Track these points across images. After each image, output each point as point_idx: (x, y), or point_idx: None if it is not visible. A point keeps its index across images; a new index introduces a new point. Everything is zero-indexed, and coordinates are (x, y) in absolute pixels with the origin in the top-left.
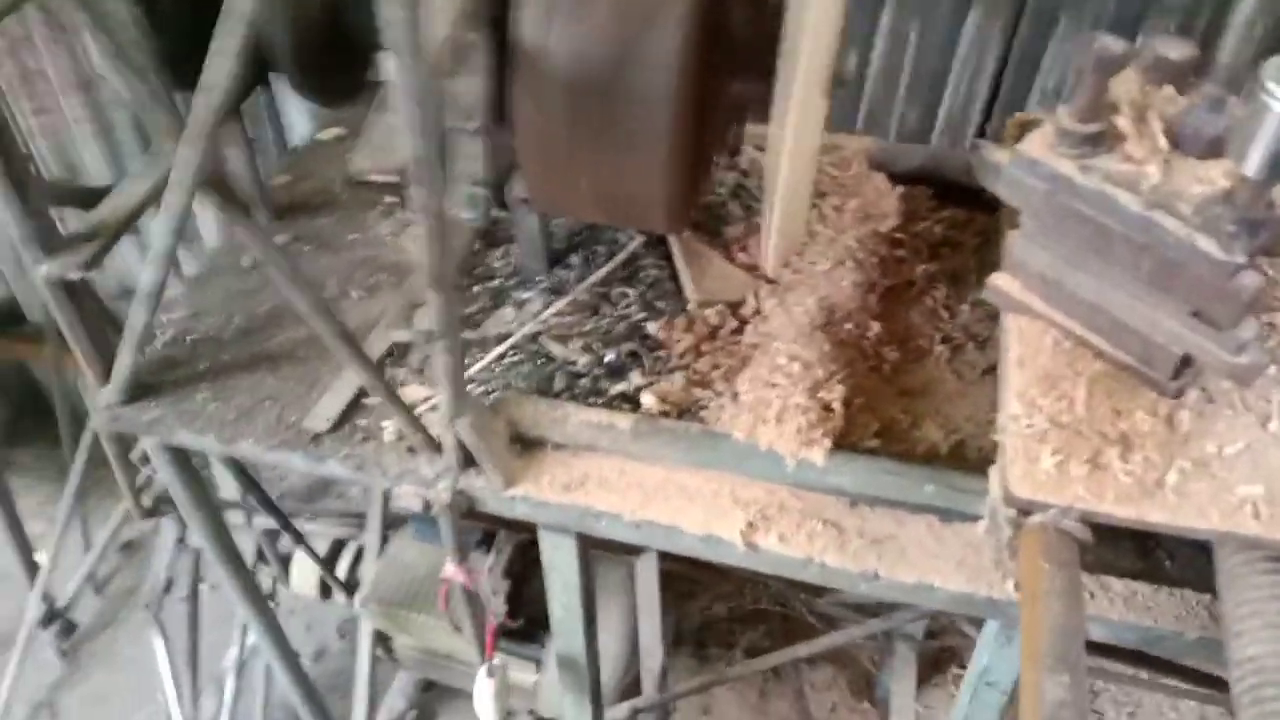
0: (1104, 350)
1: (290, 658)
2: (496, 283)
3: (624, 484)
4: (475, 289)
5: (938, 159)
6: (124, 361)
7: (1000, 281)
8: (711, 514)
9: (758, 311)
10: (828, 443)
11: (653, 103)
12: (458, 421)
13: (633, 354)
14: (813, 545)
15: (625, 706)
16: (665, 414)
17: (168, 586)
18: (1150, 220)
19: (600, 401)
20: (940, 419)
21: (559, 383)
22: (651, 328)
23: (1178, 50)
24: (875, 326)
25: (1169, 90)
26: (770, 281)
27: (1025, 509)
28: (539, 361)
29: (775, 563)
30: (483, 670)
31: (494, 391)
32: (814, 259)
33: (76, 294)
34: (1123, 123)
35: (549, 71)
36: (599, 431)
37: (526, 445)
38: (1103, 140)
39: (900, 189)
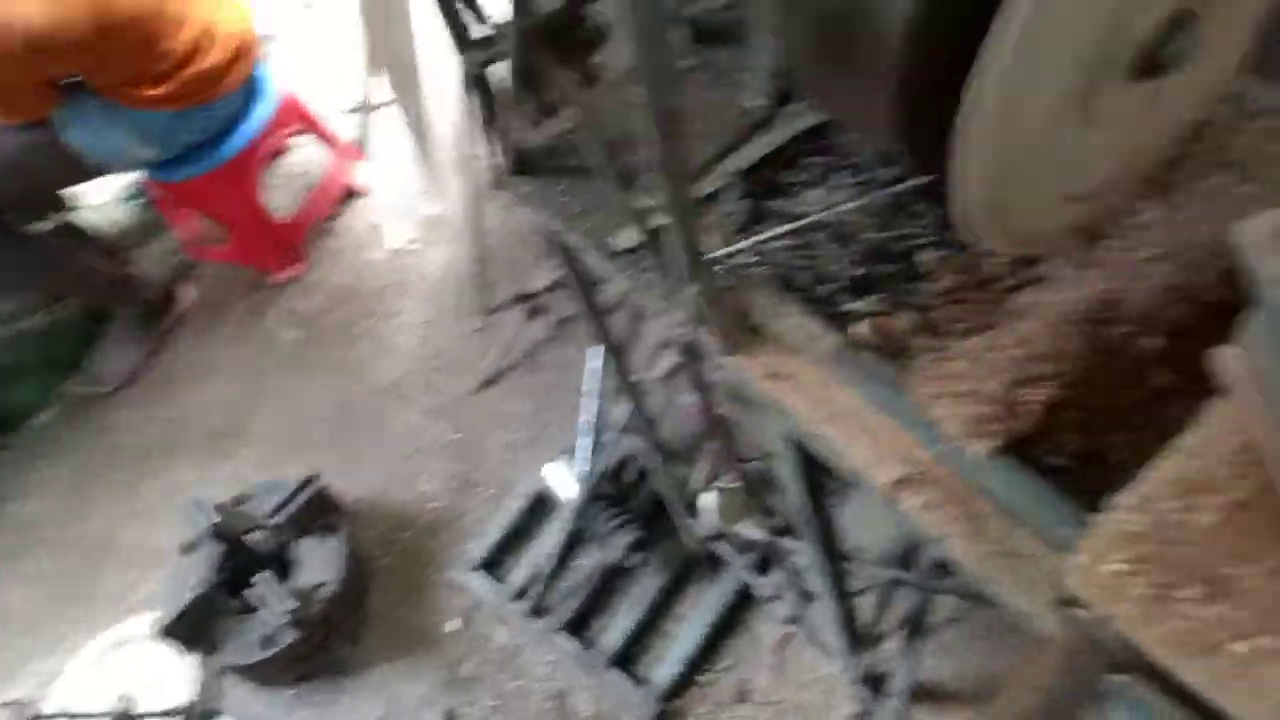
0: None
1: None
2: (833, 160)
3: (820, 394)
4: (814, 159)
5: None
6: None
7: (1223, 358)
8: (875, 455)
9: (1048, 278)
10: (996, 441)
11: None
12: (688, 288)
13: (886, 278)
14: (947, 526)
15: None
16: (877, 347)
17: None
18: None
19: (829, 311)
20: None
21: (805, 279)
22: (927, 256)
23: None
24: (1154, 341)
25: None
26: (1091, 242)
27: (1068, 600)
28: (808, 254)
29: (906, 522)
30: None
31: (756, 266)
32: (1148, 239)
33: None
34: None
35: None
36: (806, 339)
37: (757, 326)
38: None
39: None
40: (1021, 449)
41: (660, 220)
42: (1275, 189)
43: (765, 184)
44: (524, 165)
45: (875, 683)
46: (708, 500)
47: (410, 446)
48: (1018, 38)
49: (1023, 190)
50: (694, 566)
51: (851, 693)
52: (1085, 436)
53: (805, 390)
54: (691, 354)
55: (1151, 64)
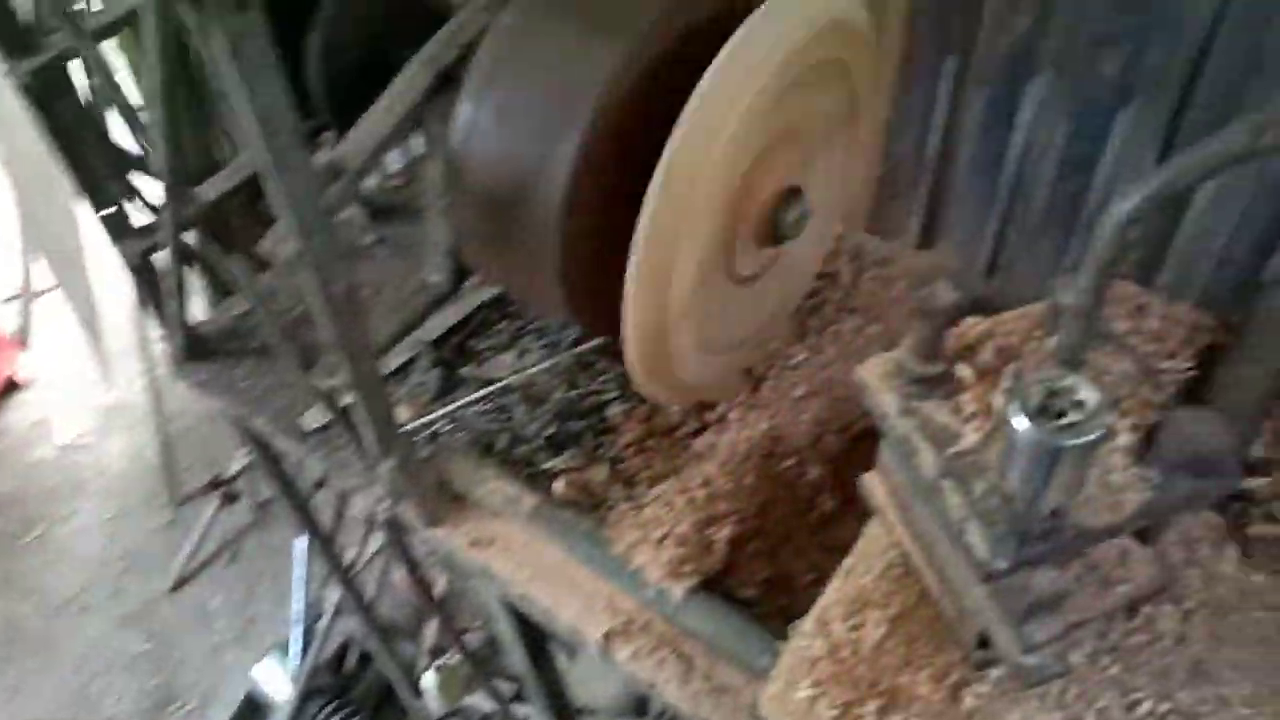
0: (932, 593)
1: None
2: (519, 324)
3: (524, 555)
4: (501, 324)
5: (997, 294)
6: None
7: (870, 482)
8: (584, 610)
9: (722, 420)
10: (692, 580)
11: (545, 218)
12: (383, 463)
13: (578, 434)
14: (659, 672)
15: None
16: (575, 502)
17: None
18: (937, 488)
19: (527, 472)
20: None
21: (502, 442)
22: (614, 410)
23: (1074, 297)
24: (816, 470)
25: (1051, 344)
26: (754, 392)
27: None
28: (502, 417)
29: (624, 675)
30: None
31: (452, 434)
32: (799, 378)
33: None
34: (965, 372)
35: (467, 174)
36: (506, 502)
37: (459, 494)
38: (944, 383)
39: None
40: (716, 585)
41: (347, 398)
42: (894, 326)
43: (455, 352)
44: (200, 349)
45: None
46: (429, 680)
47: (95, 665)
48: (657, 221)
49: (684, 345)
50: None
51: None
52: (771, 564)
53: (510, 552)
54: (395, 529)
55: (774, 231)
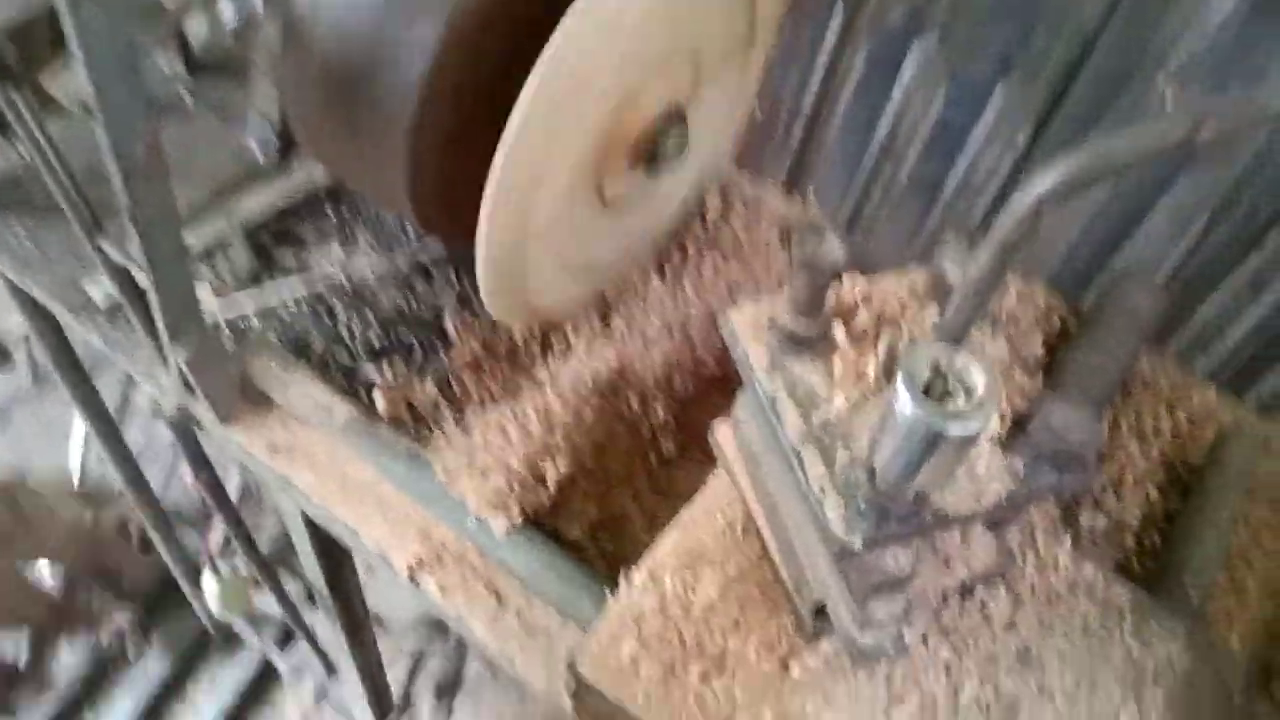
0: (772, 555)
1: None
2: (351, 214)
3: (330, 469)
4: (329, 211)
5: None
6: None
7: (720, 432)
8: (393, 534)
9: (568, 348)
10: (518, 516)
11: (399, 103)
12: (173, 348)
13: (407, 346)
14: (468, 606)
15: None
16: (396, 420)
17: None
18: (798, 454)
19: (344, 380)
20: None
21: (319, 344)
22: (452, 322)
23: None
24: (661, 411)
25: (929, 315)
26: (605, 322)
27: (582, 685)
28: (322, 316)
29: (431, 605)
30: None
31: (265, 328)
32: (653, 314)
33: None
34: (840, 336)
35: (311, 40)
36: (315, 410)
37: (262, 394)
38: (816, 343)
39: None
40: (541, 523)
41: (140, 272)
42: (757, 271)
43: (275, 238)
44: None
45: None
46: (209, 586)
47: None
48: (531, 120)
49: (540, 262)
50: (207, 645)
51: None
52: (603, 506)
53: (314, 464)
54: (183, 424)
55: (651, 154)
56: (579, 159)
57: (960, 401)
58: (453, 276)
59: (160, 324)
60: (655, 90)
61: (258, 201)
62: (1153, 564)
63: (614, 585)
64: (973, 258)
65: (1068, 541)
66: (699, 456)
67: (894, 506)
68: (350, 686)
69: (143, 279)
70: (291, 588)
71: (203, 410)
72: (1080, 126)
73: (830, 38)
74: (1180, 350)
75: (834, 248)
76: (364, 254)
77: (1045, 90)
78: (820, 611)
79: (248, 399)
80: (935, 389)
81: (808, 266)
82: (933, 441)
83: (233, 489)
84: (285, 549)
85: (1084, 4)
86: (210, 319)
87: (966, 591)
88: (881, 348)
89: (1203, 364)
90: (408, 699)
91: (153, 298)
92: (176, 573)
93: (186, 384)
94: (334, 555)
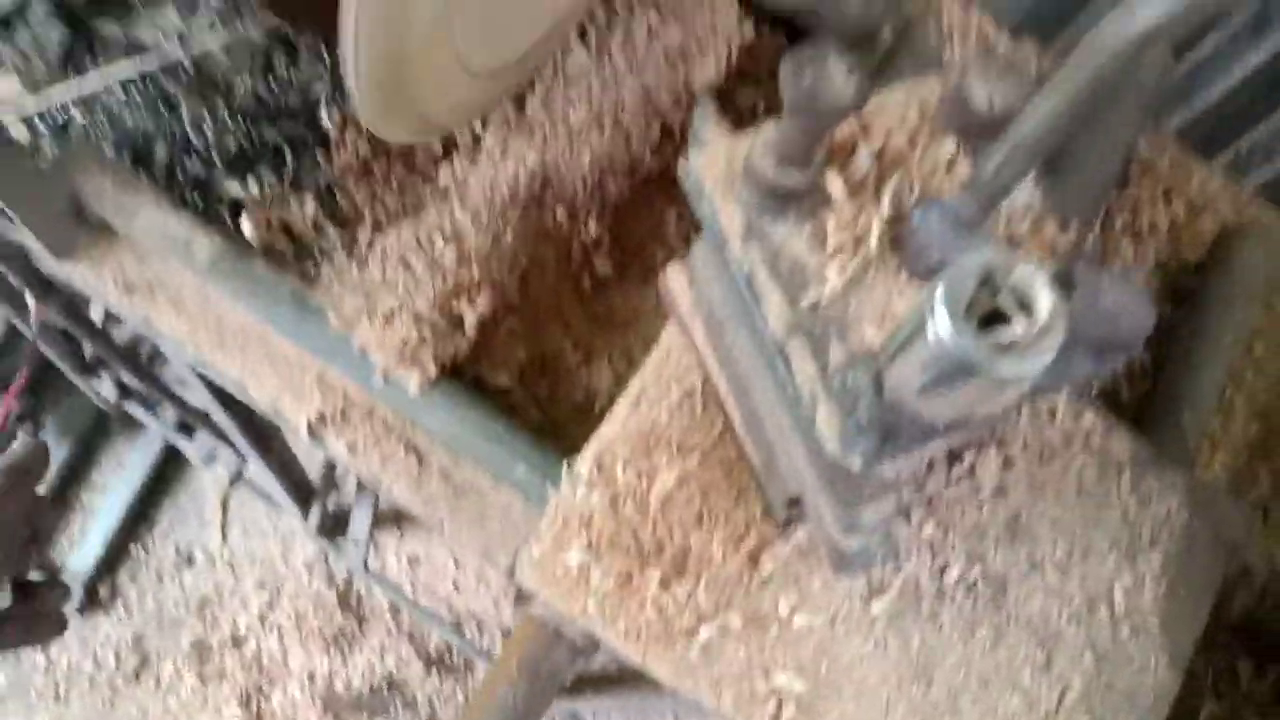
0: (738, 434)
1: None
2: None
3: (200, 312)
4: None
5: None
6: None
7: (673, 280)
8: (287, 387)
9: (476, 144)
10: (432, 369)
11: None
12: None
13: (275, 148)
14: (384, 469)
15: None
16: (272, 249)
17: None
18: (783, 347)
19: (202, 201)
20: (624, 363)
21: (162, 150)
22: (326, 115)
23: (999, 94)
24: (593, 225)
25: (947, 152)
26: (519, 107)
27: (525, 594)
28: (161, 108)
29: (344, 463)
30: None
31: (92, 126)
32: (577, 96)
33: None
34: (835, 188)
35: None
36: (170, 244)
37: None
38: (804, 197)
39: (756, 35)
40: (462, 371)
41: None
42: (700, 30)
43: (84, 5)
44: None
45: (335, 522)
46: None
47: None
48: None
49: (439, 64)
50: (107, 427)
51: (311, 536)
52: (531, 344)
53: (181, 307)
54: (17, 257)
55: None
56: None
57: (1018, 329)
58: (323, 50)
59: None
60: None
61: None
62: (1146, 386)
63: (551, 439)
64: (1025, 96)
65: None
66: (638, 276)
67: (903, 421)
68: (262, 474)
69: None
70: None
71: (29, 241)
72: None
73: None
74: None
75: (841, 84)
76: (203, 19)
77: None
78: (794, 501)
79: (85, 226)
80: (979, 304)
81: (803, 109)
82: (970, 375)
83: None
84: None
85: None
86: (15, 115)
87: (955, 457)
88: (885, 201)
89: (1176, 120)
90: (331, 479)
91: None
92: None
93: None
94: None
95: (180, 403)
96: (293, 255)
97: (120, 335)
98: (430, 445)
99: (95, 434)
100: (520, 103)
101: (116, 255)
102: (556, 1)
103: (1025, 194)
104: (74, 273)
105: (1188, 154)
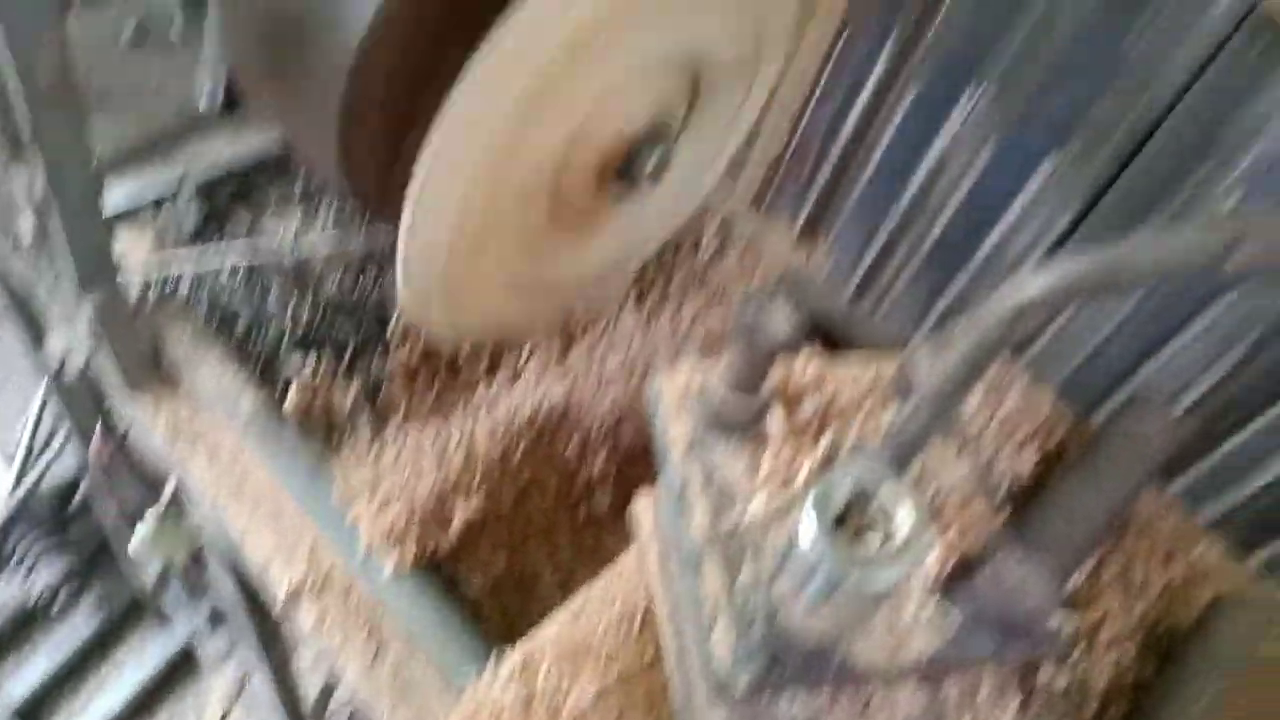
0: (667, 666)
1: None
2: (313, 185)
3: (230, 466)
4: (292, 181)
5: (850, 327)
6: None
7: (641, 505)
8: (279, 550)
9: (516, 374)
10: (410, 556)
11: (333, 64)
12: (85, 296)
13: (340, 338)
14: (343, 647)
15: None
16: (308, 420)
17: None
18: (696, 560)
19: (262, 367)
20: None
21: (244, 321)
22: (393, 325)
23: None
24: (600, 462)
25: (890, 417)
26: (565, 350)
27: None
28: (256, 289)
29: (304, 635)
30: None
31: (194, 295)
32: (616, 349)
33: None
34: (775, 425)
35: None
36: (222, 395)
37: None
38: (749, 428)
39: None
40: (440, 568)
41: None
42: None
43: (229, 198)
44: None
45: None
46: (143, 527)
47: None
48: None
49: (479, 275)
50: (138, 614)
51: None
52: (512, 559)
53: (216, 457)
54: (89, 383)
55: (625, 171)
56: (536, 161)
57: (876, 544)
58: None
59: (70, 269)
60: (637, 100)
61: (210, 156)
62: None
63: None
64: (940, 359)
65: (1014, 705)
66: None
67: (790, 652)
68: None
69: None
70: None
71: (110, 372)
72: (1128, 220)
73: (875, 76)
74: (1188, 490)
75: (780, 319)
76: (321, 229)
77: (1099, 170)
78: None
79: (157, 369)
80: (853, 520)
81: (746, 337)
82: (837, 583)
83: None
84: None
85: (1165, 74)
86: (141, 274)
87: None
88: (822, 447)
89: (1210, 510)
90: (323, 707)
91: (59, 239)
92: (109, 529)
93: (94, 338)
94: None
95: (206, 596)
96: (323, 430)
97: None
98: (391, 636)
99: (128, 616)
100: (567, 348)
101: (175, 401)
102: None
103: (959, 473)
104: (136, 407)
105: (1193, 524)
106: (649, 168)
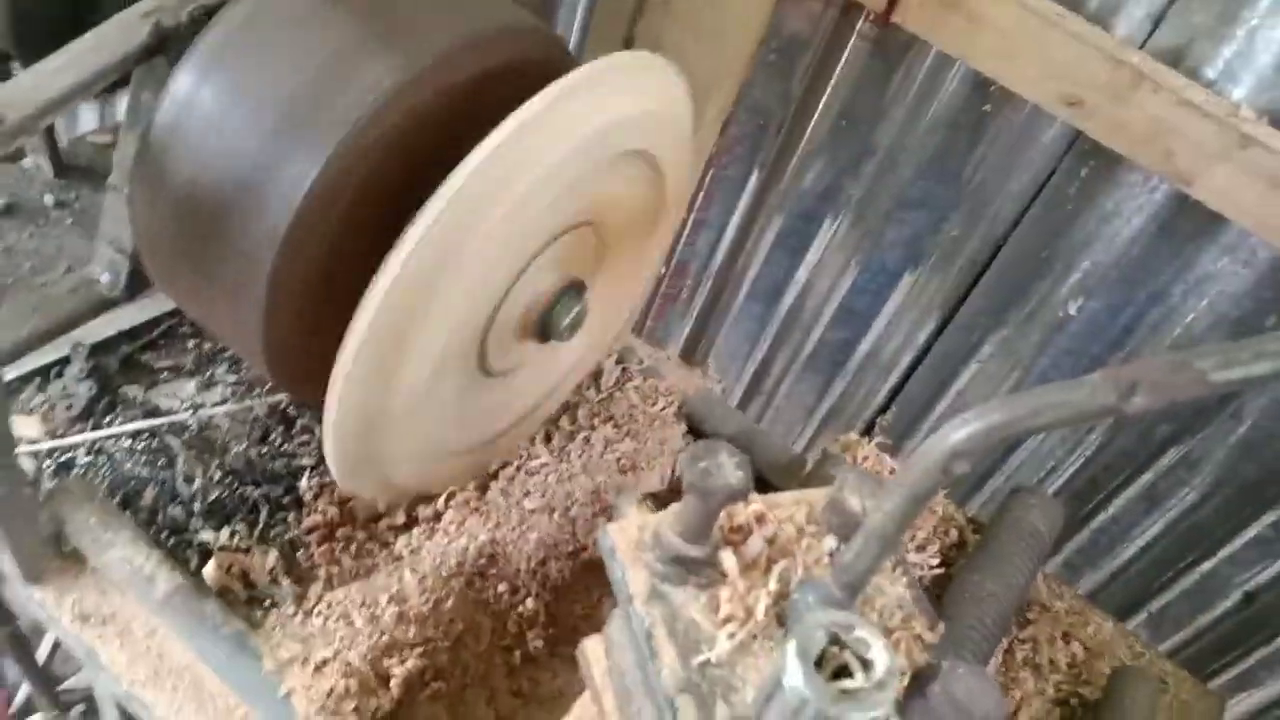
0: None
1: None
2: (213, 348)
3: (146, 646)
4: (190, 343)
5: (752, 437)
6: None
7: (590, 650)
8: None
9: (436, 519)
10: None
11: (252, 261)
12: None
13: (252, 503)
14: None
15: None
16: (228, 592)
17: None
18: (673, 702)
19: (174, 540)
20: None
21: (149, 496)
22: (306, 483)
23: (870, 503)
24: (531, 602)
25: (829, 545)
26: (481, 491)
27: None
28: (159, 460)
29: None
30: None
31: (95, 469)
32: (533, 488)
33: None
34: (729, 564)
35: (169, 163)
36: (134, 577)
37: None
38: (703, 569)
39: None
40: None
41: None
42: (650, 447)
43: (123, 364)
44: None
45: None
46: None
47: None
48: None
49: (404, 446)
50: None
51: None
52: (453, 710)
53: (129, 640)
54: None
55: (543, 327)
56: (455, 332)
57: (859, 679)
58: (317, 428)
59: None
60: (553, 260)
61: (104, 324)
62: None
63: None
64: (877, 502)
65: None
66: (569, 655)
67: None
68: None
69: None
70: None
71: (5, 563)
72: (987, 323)
73: (742, 206)
74: (1068, 562)
75: (730, 472)
76: (218, 392)
77: (954, 282)
78: None
79: (59, 555)
80: (828, 660)
81: (699, 491)
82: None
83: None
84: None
85: (1003, 204)
86: (31, 455)
87: None
88: (773, 581)
89: (1089, 579)
90: None
91: None
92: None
93: None
94: None
95: None
96: (244, 600)
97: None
98: None
99: None
100: (483, 489)
101: (80, 587)
102: (517, 403)
103: (898, 592)
104: (36, 598)
105: (1084, 602)
106: (565, 323)
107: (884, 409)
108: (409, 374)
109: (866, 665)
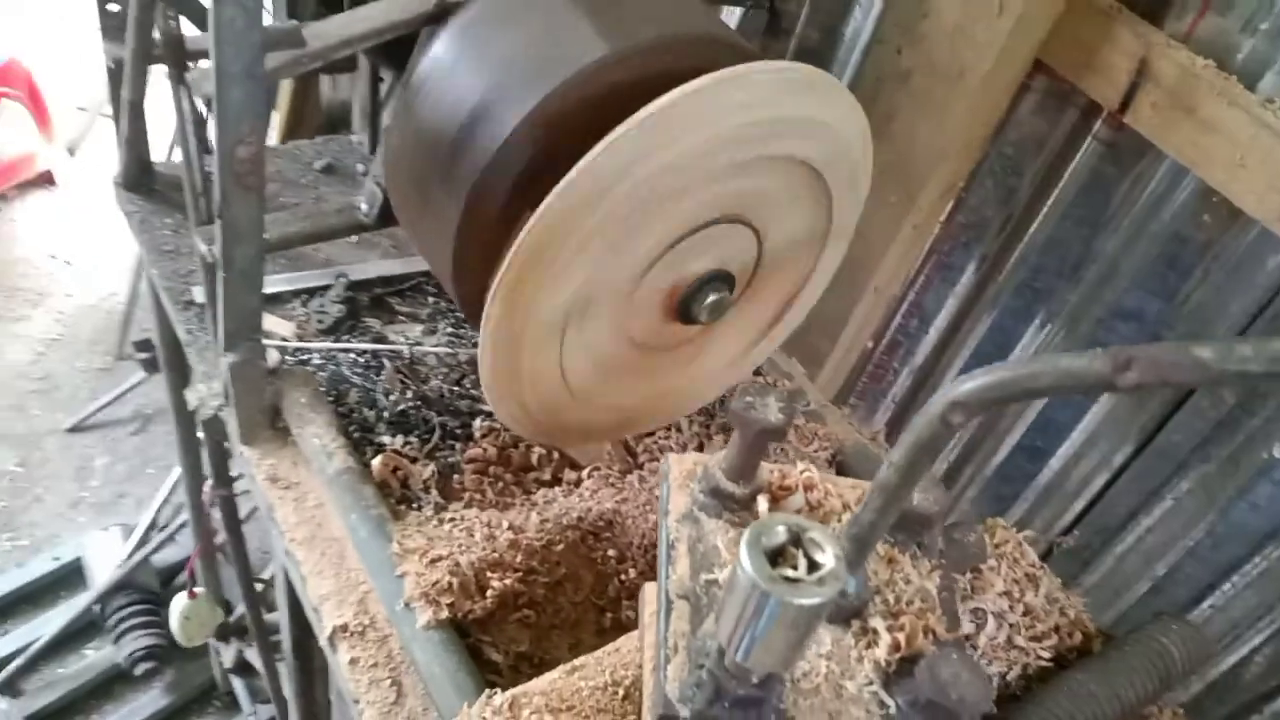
0: None
1: None
2: (445, 305)
3: (311, 514)
4: (430, 299)
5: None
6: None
7: (647, 590)
8: (335, 594)
9: (577, 484)
10: (444, 614)
11: (455, 190)
12: (223, 356)
13: (430, 426)
14: (368, 689)
15: None
16: (385, 486)
17: None
18: (671, 604)
19: (358, 436)
20: None
21: (352, 398)
22: (480, 424)
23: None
24: (633, 574)
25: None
26: (623, 474)
27: None
28: (371, 376)
29: (335, 673)
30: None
31: (320, 370)
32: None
33: None
34: (762, 508)
35: (414, 110)
36: (319, 452)
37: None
38: (739, 510)
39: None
40: (469, 633)
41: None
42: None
43: (374, 302)
44: (145, 180)
45: None
46: (178, 604)
47: None
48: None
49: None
50: (210, 697)
51: None
52: (536, 642)
53: (302, 505)
54: (214, 430)
55: (684, 309)
56: (596, 275)
57: (801, 568)
58: None
59: (220, 327)
60: (707, 246)
61: (370, 266)
62: None
63: None
64: (887, 458)
65: None
66: None
67: (733, 687)
68: None
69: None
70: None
71: (232, 423)
72: (1177, 466)
73: (960, 294)
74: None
75: (772, 411)
76: (436, 341)
77: (1150, 412)
78: None
79: (272, 427)
80: (787, 559)
81: (739, 421)
82: (761, 606)
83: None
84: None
85: (1219, 320)
86: (279, 349)
87: None
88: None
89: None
90: None
91: (219, 301)
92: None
93: (225, 393)
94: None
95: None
96: (397, 499)
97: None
98: (412, 687)
99: (200, 699)
100: (626, 472)
101: (278, 455)
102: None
103: (924, 586)
104: (245, 454)
105: None
106: (704, 309)
107: (1068, 530)
108: (545, 300)
109: (815, 566)
